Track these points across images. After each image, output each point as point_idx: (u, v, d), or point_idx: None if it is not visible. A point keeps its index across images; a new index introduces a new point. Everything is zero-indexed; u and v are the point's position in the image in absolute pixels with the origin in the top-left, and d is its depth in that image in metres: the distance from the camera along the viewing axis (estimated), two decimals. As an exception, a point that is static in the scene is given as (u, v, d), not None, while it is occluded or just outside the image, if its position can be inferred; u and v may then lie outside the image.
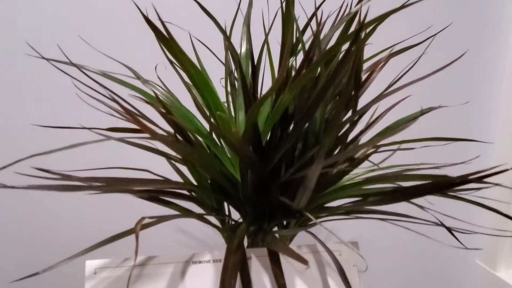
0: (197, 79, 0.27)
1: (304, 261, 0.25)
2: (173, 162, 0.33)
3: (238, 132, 0.20)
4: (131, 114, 0.17)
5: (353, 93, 0.28)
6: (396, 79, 0.31)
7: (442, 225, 0.30)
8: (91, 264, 0.28)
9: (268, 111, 0.27)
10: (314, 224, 0.28)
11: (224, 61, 0.35)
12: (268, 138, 0.27)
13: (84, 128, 0.29)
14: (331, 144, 0.23)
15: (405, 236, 0.77)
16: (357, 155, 0.29)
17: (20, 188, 0.20)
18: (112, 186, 0.25)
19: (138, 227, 0.20)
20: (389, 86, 0.29)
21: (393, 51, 0.31)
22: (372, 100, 0.28)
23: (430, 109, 0.31)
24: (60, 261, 0.22)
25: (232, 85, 0.31)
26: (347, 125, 0.29)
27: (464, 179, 0.20)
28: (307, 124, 0.29)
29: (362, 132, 0.31)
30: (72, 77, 0.35)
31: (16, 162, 0.21)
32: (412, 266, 0.79)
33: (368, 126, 0.31)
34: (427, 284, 0.81)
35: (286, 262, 0.29)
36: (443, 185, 0.19)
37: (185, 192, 0.31)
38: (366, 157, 0.28)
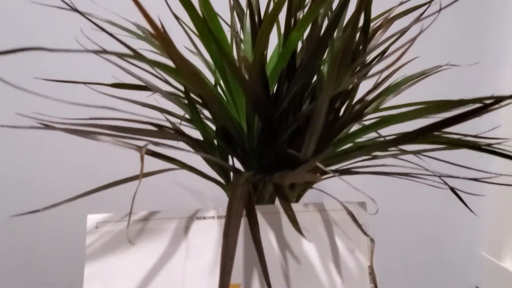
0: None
1: (299, 231, 0.24)
2: (179, 119, 0.32)
3: (246, 57, 0.19)
4: (157, 29, 0.16)
5: (361, 47, 0.28)
6: (404, 32, 0.30)
7: (446, 184, 0.29)
8: (92, 218, 0.28)
9: (275, 61, 0.27)
10: (323, 173, 0.27)
11: None
12: (275, 89, 0.27)
13: (86, 83, 0.29)
14: (335, 87, 0.23)
15: (409, 229, 0.76)
16: (365, 111, 0.29)
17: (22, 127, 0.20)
18: (118, 135, 0.25)
19: (143, 150, 0.20)
20: (398, 37, 0.29)
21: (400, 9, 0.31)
22: (380, 53, 0.28)
23: (438, 67, 0.30)
24: (61, 202, 0.21)
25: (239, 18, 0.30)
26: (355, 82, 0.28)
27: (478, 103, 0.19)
28: (315, 78, 0.28)
29: (369, 92, 0.31)
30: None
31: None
32: (416, 258, 0.78)
33: (376, 86, 0.31)
34: (431, 276, 0.80)
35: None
36: (462, 115, 0.18)
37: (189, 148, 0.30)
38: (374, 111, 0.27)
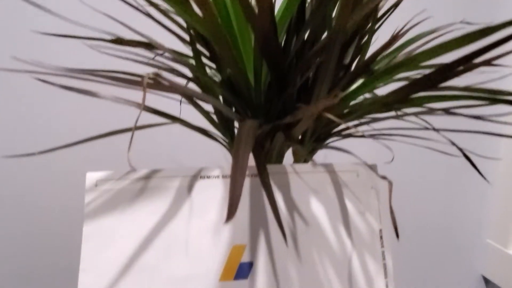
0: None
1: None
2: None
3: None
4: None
5: None
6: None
7: (455, 145, 0.27)
8: (92, 176, 0.27)
9: (283, 9, 0.26)
10: (335, 126, 0.26)
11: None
12: (283, 41, 0.26)
13: (87, 38, 0.28)
14: (346, 34, 0.22)
15: (413, 216, 0.75)
16: (376, 68, 0.27)
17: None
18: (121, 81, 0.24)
19: (145, 79, 0.18)
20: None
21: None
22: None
23: (451, 25, 0.29)
24: (60, 146, 0.20)
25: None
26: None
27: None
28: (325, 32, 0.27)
29: (382, 49, 0.29)
30: None
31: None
32: (420, 246, 0.77)
33: (389, 42, 0.29)
34: (435, 265, 0.78)
35: (300, 180, 0.27)
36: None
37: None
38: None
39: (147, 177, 0.27)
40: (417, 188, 0.75)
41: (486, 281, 0.80)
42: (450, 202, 0.77)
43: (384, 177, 0.18)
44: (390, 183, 0.19)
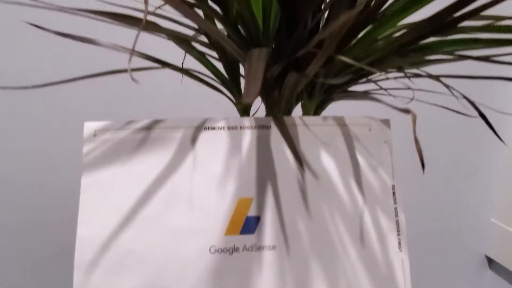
0: None
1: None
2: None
3: None
4: None
5: None
6: None
7: (466, 98, 0.26)
8: (90, 126, 0.25)
9: None
10: (347, 76, 0.24)
11: None
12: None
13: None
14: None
15: (416, 195, 0.74)
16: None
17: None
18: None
19: (145, 12, 0.17)
20: None
21: None
22: None
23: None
24: (52, 82, 0.18)
25: None
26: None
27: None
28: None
29: None
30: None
31: None
32: (422, 225, 0.75)
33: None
34: (438, 245, 0.77)
35: (310, 133, 0.26)
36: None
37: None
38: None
39: (148, 127, 0.25)
40: (419, 167, 0.73)
41: (490, 260, 0.79)
42: (454, 181, 0.76)
43: (406, 110, 0.17)
44: (414, 115, 0.18)
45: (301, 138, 0.26)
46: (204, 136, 0.25)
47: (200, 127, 0.26)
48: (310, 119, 0.26)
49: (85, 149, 0.25)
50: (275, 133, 0.26)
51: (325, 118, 0.27)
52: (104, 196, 0.24)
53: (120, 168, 0.25)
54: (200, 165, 0.25)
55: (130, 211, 0.24)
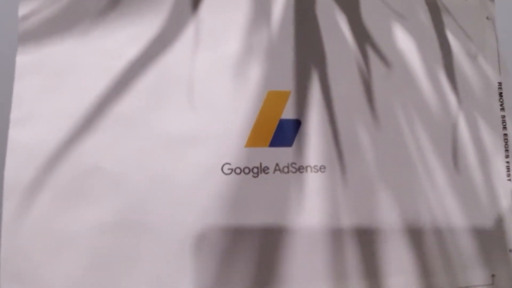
0: None
1: None
2: None
3: None
4: None
5: None
6: None
7: None
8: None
9: None
10: None
11: None
12: None
13: None
14: None
15: None
16: None
17: None
18: None
19: None
20: None
21: None
22: None
23: None
24: None
25: None
26: None
27: None
28: None
29: None
30: None
31: None
32: None
33: None
34: None
35: (377, -3, 0.17)
36: None
37: None
38: None
39: (125, -21, 0.16)
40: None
41: None
42: None
43: None
44: None
45: (363, 4, 0.17)
46: None
47: None
48: (378, -24, 0.17)
49: (22, 10, 0.15)
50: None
51: (400, -24, 0.17)
52: (52, 83, 0.15)
53: (78, 42, 0.15)
54: (206, 41, 0.16)
55: (95, 107, 0.15)
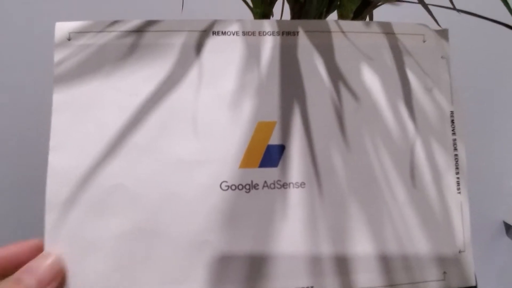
0: None
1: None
2: None
3: None
4: None
5: None
6: None
7: None
8: (63, 26, 0.19)
9: None
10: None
11: None
12: None
13: None
14: None
15: None
16: None
17: None
18: None
19: None
20: None
21: None
22: None
23: None
24: None
25: None
26: None
27: None
28: None
29: None
30: None
31: None
32: None
33: None
34: None
35: (348, 42, 0.20)
36: None
37: None
38: None
39: (140, 30, 0.19)
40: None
41: (507, 226, 0.75)
42: (472, 143, 0.70)
43: None
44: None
45: (337, 49, 0.20)
46: (212, 43, 0.19)
47: (207, 32, 0.20)
48: (349, 24, 0.20)
49: (57, 57, 0.19)
50: (303, 41, 0.20)
51: (368, 23, 0.21)
52: (83, 117, 0.19)
53: (103, 82, 0.19)
54: (207, 80, 0.19)
55: (117, 136, 0.18)
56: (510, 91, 0.66)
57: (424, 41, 0.21)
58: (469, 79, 0.63)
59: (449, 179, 0.20)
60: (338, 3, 0.21)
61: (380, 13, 0.25)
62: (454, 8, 0.19)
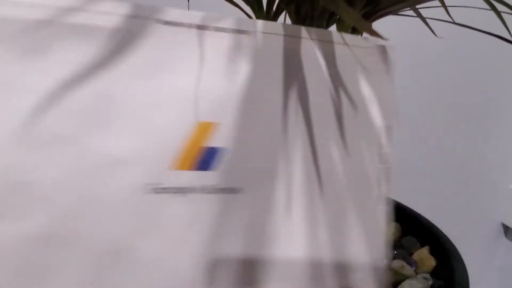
0: None
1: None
2: None
3: None
4: None
5: None
6: None
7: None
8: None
9: None
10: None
11: None
12: None
13: None
14: None
15: (432, 160, 0.64)
16: None
17: None
18: None
19: None
20: None
21: None
22: None
23: None
24: None
25: None
26: None
27: None
28: None
29: None
30: None
31: None
32: (438, 192, 0.65)
33: None
34: (453, 212, 0.66)
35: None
36: None
37: None
38: None
39: (69, 9, 0.17)
40: (435, 129, 0.63)
41: (506, 228, 0.72)
42: (471, 145, 0.66)
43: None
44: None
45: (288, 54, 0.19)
46: (159, 32, 0.17)
47: (157, 20, 0.18)
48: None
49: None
50: (259, 42, 0.19)
51: (308, 30, 0.20)
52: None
53: (18, 63, 0.16)
54: (149, 72, 0.17)
55: (26, 124, 0.16)
56: (509, 93, 0.64)
57: (369, 54, 0.21)
58: (468, 82, 0.61)
59: (377, 190, 0.21)
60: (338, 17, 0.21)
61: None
62: (453, 22, 0.19)
